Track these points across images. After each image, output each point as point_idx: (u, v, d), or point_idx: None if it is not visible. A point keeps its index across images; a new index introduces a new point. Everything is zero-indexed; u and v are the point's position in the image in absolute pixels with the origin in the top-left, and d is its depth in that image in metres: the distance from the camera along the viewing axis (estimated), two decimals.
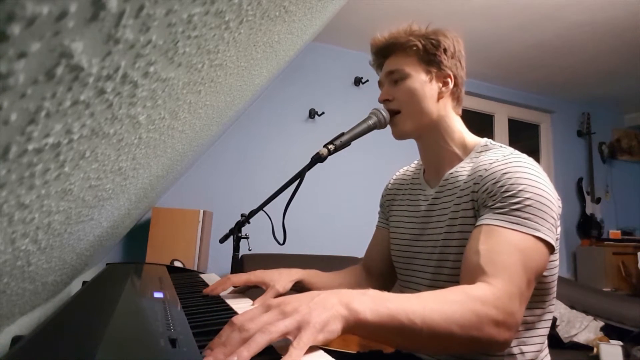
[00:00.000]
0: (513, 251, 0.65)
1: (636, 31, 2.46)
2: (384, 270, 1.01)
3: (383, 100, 0.89)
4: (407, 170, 1.03)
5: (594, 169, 3.69)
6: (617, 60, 2.88)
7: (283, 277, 0.86)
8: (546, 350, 0.80)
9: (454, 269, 0.77)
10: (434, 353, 0.80)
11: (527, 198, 0.69)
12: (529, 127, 3.73)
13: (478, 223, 0.72)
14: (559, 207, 0.74)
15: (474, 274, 0.65)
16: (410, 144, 0.94)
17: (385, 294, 0.56)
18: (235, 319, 0.47)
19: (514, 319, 0.61)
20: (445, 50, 0.86)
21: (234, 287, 0.86)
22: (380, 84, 0.93)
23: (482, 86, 3.36)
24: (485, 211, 0.73)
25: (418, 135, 0.89)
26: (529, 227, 0.67)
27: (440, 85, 0.87)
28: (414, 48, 0.86)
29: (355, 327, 0.50)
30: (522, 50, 2.80)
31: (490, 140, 0.87)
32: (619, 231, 3.52)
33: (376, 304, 0.52)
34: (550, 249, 0.69)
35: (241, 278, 0.85)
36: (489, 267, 0.64)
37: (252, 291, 0.88)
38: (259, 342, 0.43)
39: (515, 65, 3.04)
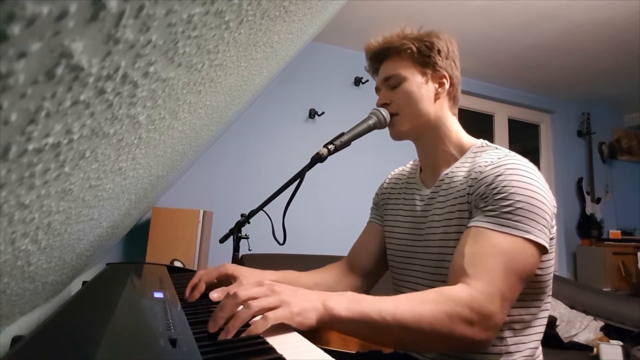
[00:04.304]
0: (497, 254, 0.67)
1: (636, 31, 2.46)
2: (369, 266, 1.00)
3: (381, 105, 0.90)
4: (402, 170, 1.04)
5: (594, 169, 3.69)
6: (617, 60, 2.88)
7: (254, 276, 0.85)
8: (540, 348, 0.80)
9: None
10: (409, 349, 0.83)
11: (519, 201, 0.69)
12: (529, 127, 3.73)
13: (469, 225, 0.73)
14: (554, 206, 0.75)
15: (457, 276, 0.68)
16: (411, 144, 0.94)
17: (362, 295, 0.61)
18: (230, 288, 0.59)
19: (492, 320, 0.63)
20: (439, 52, 0.87)
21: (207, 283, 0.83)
22: (377, 89, 0.94)
23: (482, 86, 3.36)
24: (476, 213, 0.74)
25: (416, 136, 0.90)
26: (519, 230, 0.68)
27: (437, 86, 0.88)
28: (408, 51, 0.87)
29: (330, 322, 0.57)
30: (522, 50, 2.80)
31: (486, 141, 0.88)
32: (619, 231, 3.52)
33: (351, 303, 0.59)
34: (543, 250, 0.70)
35: (211, 275, 0.83)
36: (471, 269, 0.66)
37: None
38: (242, 317, 0.52)
39: (515, 65, 3.04)
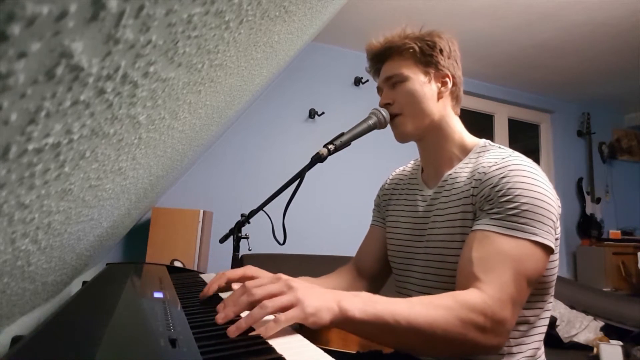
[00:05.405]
0: (506, 259, 0.67)
1: (636, 31, 2.46)
2: (374, 269, 1.00)
3: (384, 105, 0.90)
4: (403, 170, 1.03)
5: (594, 169, 3.69)
6: (617, 60, 2.88)
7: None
8: (542, 348, 0.80)
9: (455, 270, 0.77)
10: (420, 353, 0.82)
11: (524, 203, 0.69)
12: (529, 127, 3.73)
13: (474, 228, 0.73)
14: (559, 206, 0.74)
15: (468, 282, 0.67)
16: (412, 144, 0.94)
17: (376, 296, 0.60)
18: (247, 283, 0.57)
19: (504, 327, 0.63)
20: (441, 51, 0.87)
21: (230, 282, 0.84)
22: (379, 89, 0.94)
23: (482, 86, 3.36)
24: (482, 215, 0.73)
25: (420, 136, 0.89)
26: (525, 232, 0.68)
27: (439, 85, 0.87)
28: (411, 50, 0.86)
29: (343, 322, 0.56)
30: (522, 50, 2.80)
31: (488, 141, 0.87)
32: (619, 231, 3.52)
33: (365, 304, 0.58)
34: (549, 251, 0.70)
35: (236, 273, 0.82)
36: (482, 274, 0.66)
37: None
38: (255, 316, 0.52)
39: (515, 65, 3.03)
